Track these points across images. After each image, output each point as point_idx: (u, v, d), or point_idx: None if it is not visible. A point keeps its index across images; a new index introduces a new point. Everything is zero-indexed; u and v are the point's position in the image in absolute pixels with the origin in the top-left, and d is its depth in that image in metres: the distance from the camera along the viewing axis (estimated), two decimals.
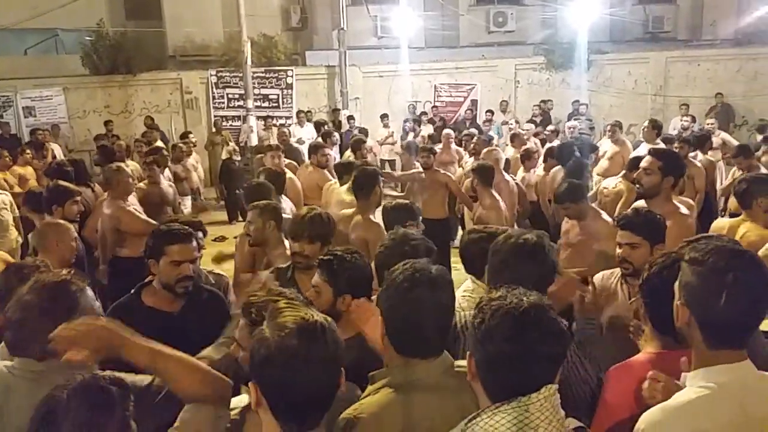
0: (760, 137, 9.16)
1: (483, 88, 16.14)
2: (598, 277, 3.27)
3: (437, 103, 15.92)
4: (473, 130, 10.64)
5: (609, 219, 4.55)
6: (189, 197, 8.96)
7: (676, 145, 7.12)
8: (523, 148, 8.49)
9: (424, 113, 14.74)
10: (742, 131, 14.68)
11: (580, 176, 5.83)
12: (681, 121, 11.64)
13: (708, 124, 9.90)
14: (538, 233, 2.42)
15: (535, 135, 10.67)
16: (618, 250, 3.10)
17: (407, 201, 3.96)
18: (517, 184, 6.99)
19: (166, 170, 8.23)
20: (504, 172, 6.77)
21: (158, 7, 16.14)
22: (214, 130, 13.68)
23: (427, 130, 13.39)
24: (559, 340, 1.55)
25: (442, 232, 6.97)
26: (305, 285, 2.89)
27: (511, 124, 12.90)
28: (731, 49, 16.82)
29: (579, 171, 6.13)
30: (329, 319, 1.58)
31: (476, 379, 1.60)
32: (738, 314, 1.60)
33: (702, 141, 7.98)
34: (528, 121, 12.95)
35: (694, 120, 11.52)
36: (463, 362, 2.05)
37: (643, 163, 3.90)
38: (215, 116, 14.97)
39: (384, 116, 14.36)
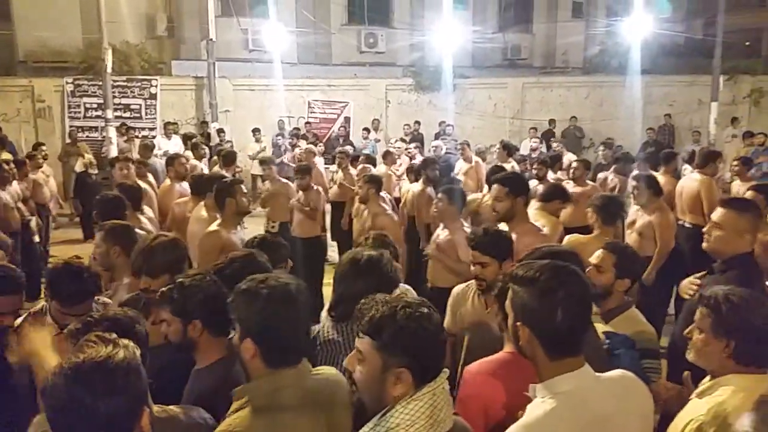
0: (602, 149, 10.03)
1: (356, 106, 16.40)
2: (456, 290, 3.48)
3: (311, 120, 15.96)
4: (348, 147, 10.79)
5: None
6: (34, 218, 8.20)
7: (536, 165, 7.67)
8: (410, 163, 8.80)
9: (297, 129, 14.70)
10: (590, 152, 16.03)
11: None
12: (530, 142, 12.60)
13: (555, 146, 10.80)
14: (379, 252, 2.55)
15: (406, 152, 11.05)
16: (472, 267, 3.31)
17: (276, 240, 3.75)
18: (391, 200, 7.14)
19: (15, 183, 7.57)
20: None
21: (6, 8, 14.87)
22: (69, 141, 12.78)
23: (301, 146, 13.35)
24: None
25: (316, 250, 6.99)
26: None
27: (392, 142, 13.21)
28: (581, 76, 18.41)
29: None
30: (124, 360, 1.52)
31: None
32: (572, 325, 1.75)
33: (554, 161, 8.67)
34: (399, 140, 13.32)
35: (541, 141, 12.50)
36: (321, 368, 2.12)
37: (492, 192, 4.10)
38: (71, 126, 14.01)
39: (256, 131, 14.16)
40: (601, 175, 8.34)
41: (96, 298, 3.16)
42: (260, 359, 1.91)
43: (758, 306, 2.13)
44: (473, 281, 3.43)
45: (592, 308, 1.84)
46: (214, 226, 4.38)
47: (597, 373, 1.82)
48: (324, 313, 2.86)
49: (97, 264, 3.52)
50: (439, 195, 5.01)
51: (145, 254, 2.97)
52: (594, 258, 3.16)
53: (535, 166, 7.84)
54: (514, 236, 3.59)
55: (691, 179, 6.55)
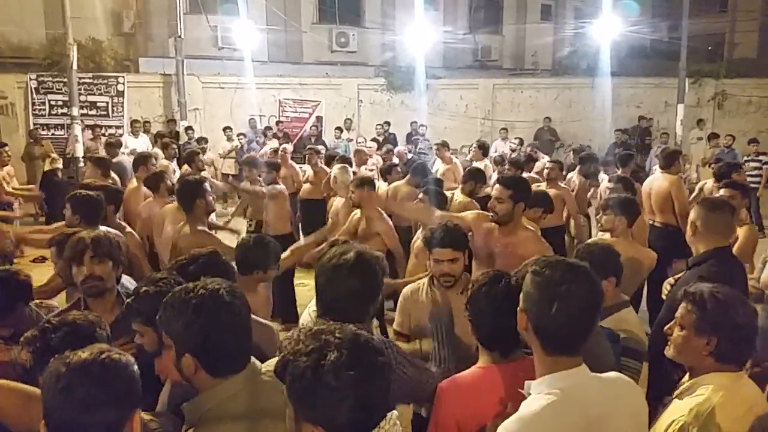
0: (572, 155, 10.20)
1: (327, 106, 16.33)
2: (407, 290, 3.46)
3: (282, 119, 15.82)
4: (320, 147, 10.72)
5: None
6: None
7: (506, 167, 7.67)
8: (388, 163, 8.76)
9: (269, 128, 14.56)
10: (559, 152, 16.23)
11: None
12: (508, 143, 12.67)
13: (525, 148, 11.01)
14: (359, 250, 2.33)
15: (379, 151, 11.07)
16: (437, 267, 3.25)
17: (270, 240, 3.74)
18: None
19: None
20: None
21: None
22: (30, 140, 12.43)
23: (272, 144, 13.23)
24: (386, 369, 1.45)
25: (286, 248, 6.90)
26: (99, 310, 2.72)
27: (360, 140, 13.16)
28: (550, 78, 18.64)
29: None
30: (115, 357, 1.58)
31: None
32: (567, 323, 1.74)
33: (527, 162, 8.83)
34: (372, 140, 13.28)
35: (521, 143, 12.60)
36: (270, 362, 1.97)
37: (494, 192, 3.98)
38: (35, 124, 13.67)
39: (227, 129, 13.99)
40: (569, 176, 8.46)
41: (39, 302, 3.05)
42: (204, 372, 1.82)
43: (742, 304, 2.15)
44: (423, 280, 3.43)
45: (595, 315, 1.81)
46: (187, 227, 4.26)
47: (593, 374, 1.82)
48: (307, 317, 2.77)
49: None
50: (421, 196, 4.88)
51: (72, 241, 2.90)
52: None
53: (506, 167, 7.90)
54: (511, 240, 3.62)
55: (659, 179, 6.63)
